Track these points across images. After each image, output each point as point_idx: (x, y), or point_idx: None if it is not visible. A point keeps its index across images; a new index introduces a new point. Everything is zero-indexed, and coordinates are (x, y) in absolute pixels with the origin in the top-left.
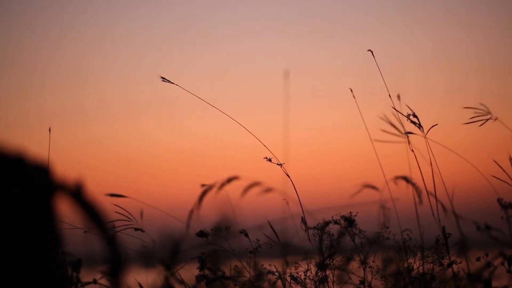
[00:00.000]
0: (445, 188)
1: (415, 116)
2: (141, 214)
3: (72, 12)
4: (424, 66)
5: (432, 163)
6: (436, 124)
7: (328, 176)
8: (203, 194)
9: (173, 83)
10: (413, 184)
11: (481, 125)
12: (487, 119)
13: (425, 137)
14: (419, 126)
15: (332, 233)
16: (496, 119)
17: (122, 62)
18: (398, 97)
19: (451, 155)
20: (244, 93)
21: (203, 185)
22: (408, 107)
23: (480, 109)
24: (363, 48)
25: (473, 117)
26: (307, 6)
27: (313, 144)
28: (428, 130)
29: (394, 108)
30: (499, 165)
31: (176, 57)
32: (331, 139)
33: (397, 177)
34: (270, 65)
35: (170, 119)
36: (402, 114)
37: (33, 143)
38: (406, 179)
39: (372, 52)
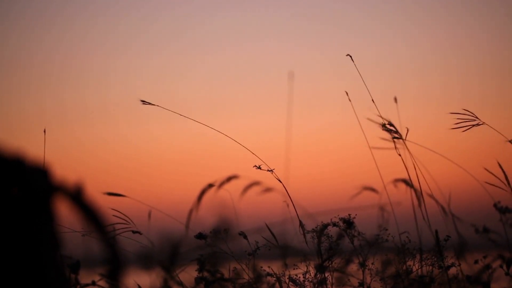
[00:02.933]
0: (440, 192)
1: (391, 124)
2: (149, 215)
3: (72, 13)
4: (420, 68)
5: (418, 167)
6: (408, 130)
7: (327, 178)
8: (202, 193)
9: (153, 105)
10: (412, 187)
11: (464, 130)
12: (473, 125)
13: (404, 141)
14: (396, 132)
15: (331, 235)
16: (483, 123)
17: (123, 64)
18: (395, 100)
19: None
20: (246, 95)
21: (210, 185)
22: (381, 116)
23: (465, 114)
24: (363, 50)
25: (458, 123)
26: (307, 7)
27: (312, 146)
28: (406, 134)
29: (370, 119)
30: (491, 173)
31: (178, 59)
32: (329, 141)
33: (397, 180)
34: (272, 68)
35: (170, 119)
36: (378, 124)
37: (32, 145)
38: (406, 182)
39: (351, 56)
